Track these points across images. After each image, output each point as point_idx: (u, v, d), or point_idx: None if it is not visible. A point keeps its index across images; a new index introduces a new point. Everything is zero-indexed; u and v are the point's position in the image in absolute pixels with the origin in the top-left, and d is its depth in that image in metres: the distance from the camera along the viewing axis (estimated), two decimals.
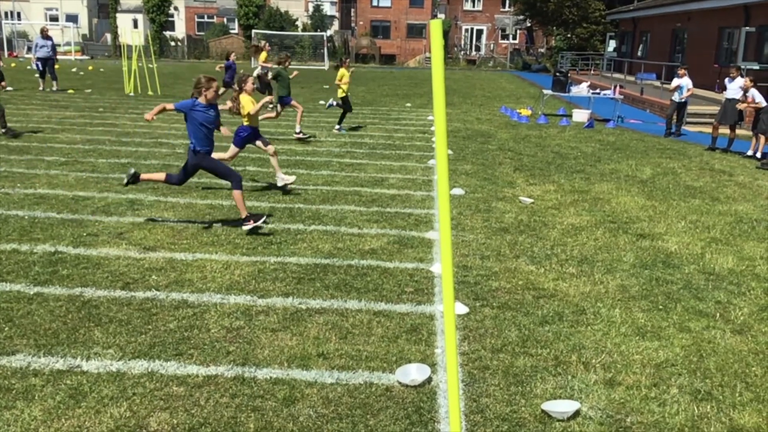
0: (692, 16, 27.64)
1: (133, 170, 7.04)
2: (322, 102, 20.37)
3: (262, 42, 20.09)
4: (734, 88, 13.62)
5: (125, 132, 13.10)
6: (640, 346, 4.56)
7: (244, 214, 6.64)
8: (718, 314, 5.15)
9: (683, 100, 15.78)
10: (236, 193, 6.61)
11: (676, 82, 15.84)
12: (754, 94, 12.97)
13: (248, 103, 7.89)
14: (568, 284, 5.68)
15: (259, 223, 6.66)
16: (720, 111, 14.10)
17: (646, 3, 33.94)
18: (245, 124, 8.22)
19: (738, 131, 14.04)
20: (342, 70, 14.04)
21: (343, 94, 13.99)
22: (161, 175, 6.94)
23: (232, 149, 8.48)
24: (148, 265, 5.76)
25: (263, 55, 17.85)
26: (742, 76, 13.81)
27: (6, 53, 42.66)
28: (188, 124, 6.51)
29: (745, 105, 13.20)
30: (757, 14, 22.53)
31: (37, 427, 3.40)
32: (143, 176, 7.01)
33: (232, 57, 17.75)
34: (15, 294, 5.04)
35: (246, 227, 6.62)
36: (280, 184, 8.62)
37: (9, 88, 20.89)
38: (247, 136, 8.27)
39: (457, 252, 6.39)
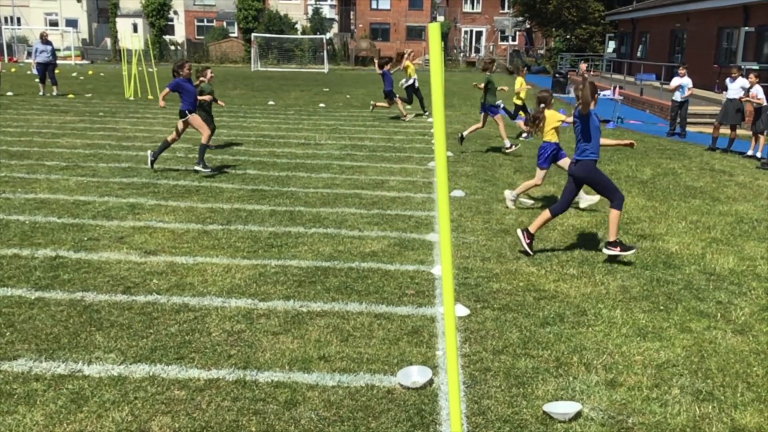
0: (691, 17, 27.66)
1: (519, 233, 6.46)
2: (322, 105, 20.38)
3: (408, 50, 18.48)
4: (735, 88, 13.60)
5: (126, 136, 13.11)
6: (642, 346, 4.56)
7: (613, 237, 6.21)
8: (719, 314, 5.15)
9: (684, 99, 15.78)
10: (614, 213, 6.19)
11: (676, 81, 15.82)
12: (758, 90, 12.95)
13: (553, 119, 7.80)
14: (569, 285, 5.68)
15: (627, 254, 6.20)
16: (721, 111, 14.09)
17: (645, 4, 33.97)
18: (549, 140, 7.94)
19: (738, 131, 14.04)
20: (519, 79, 13.88)
21: (521, 102, 13.89)
22: (546, 215, 6.42)
23: (540, 172, 8.10)
24: (149, 269, 5.77)
25: (408, 65, 16.81)
26: (743, 76, 13.81)
27: (6, 58, 42.69)
28: (586, 131, 6.11)
29: (746, 99, 13.19)
30: (756, 14, 22.54)
31: None
32: (535, 227, 6.46)
33: (388, 67, 16.77)
34: (16, 299, 5.05)
35: (609, 251, 6.20)
36: (583, 205, 8.25)
37: (9, 93, 20.93)
38: (553, 152, 7.99)
39: (458, 254, 6.40)
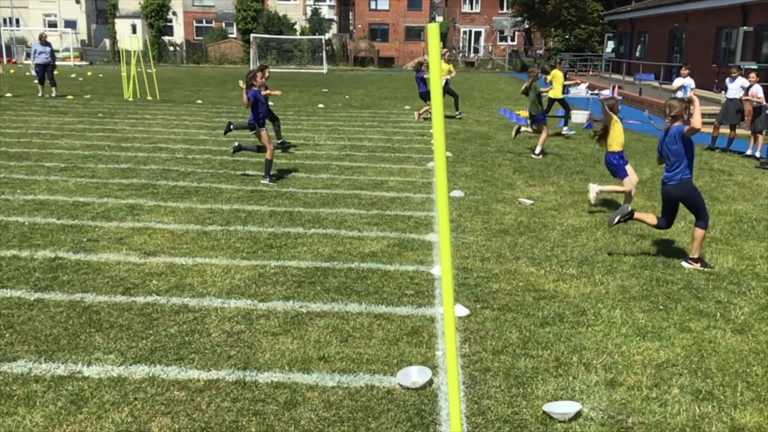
0: (690, 17, 27.67)
1: (629, 208, 6.45)
2: (321, 105, 20.37)
3: (442, 50, 17.77)
4: (735, 87, 13.60)
5: (125, 137, 13.11)
6: (641, 346, 4.56)
7: (696, 254, 6.21)
8: (718, 314, 5.16)
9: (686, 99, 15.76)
10: (699, 232, 6.17)
11: (679, 81, 15.78)
12: (758, 89, 12.96)
13: (620, 128, 7.85)
14: (569, 285, 5.68)
15: (706, 270, 6.13)
16: (721, 111, 14.09)
17: (643, 3, 33.99)
18: (615, 150, 7.95)
19: (738, 131, 14.04)
20: (555, 71, 14.20)
21: (559, 96, 14.13)
22: (652, 219, 6.43)
23: (626, 181, 8.02)
24: (148, 270, 5.77)
25: (445, 67, 16.63)
26: (743, 76, 13.80)
27: (5, 59, 42.68)
28: (690, 152, 6.08)
29: (746, 98, 13.19)
30: (755, 14, 22.56)
31: None
32: (637, 215, 6.46)
33: (425, 68, 16.56)
34: (16, 300, 5.05)
35: (689, 265, 6.18)
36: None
37: (8, 94, 20.94)
38: (623, 160, 8.00)
39: (457, 254, 6.40)
